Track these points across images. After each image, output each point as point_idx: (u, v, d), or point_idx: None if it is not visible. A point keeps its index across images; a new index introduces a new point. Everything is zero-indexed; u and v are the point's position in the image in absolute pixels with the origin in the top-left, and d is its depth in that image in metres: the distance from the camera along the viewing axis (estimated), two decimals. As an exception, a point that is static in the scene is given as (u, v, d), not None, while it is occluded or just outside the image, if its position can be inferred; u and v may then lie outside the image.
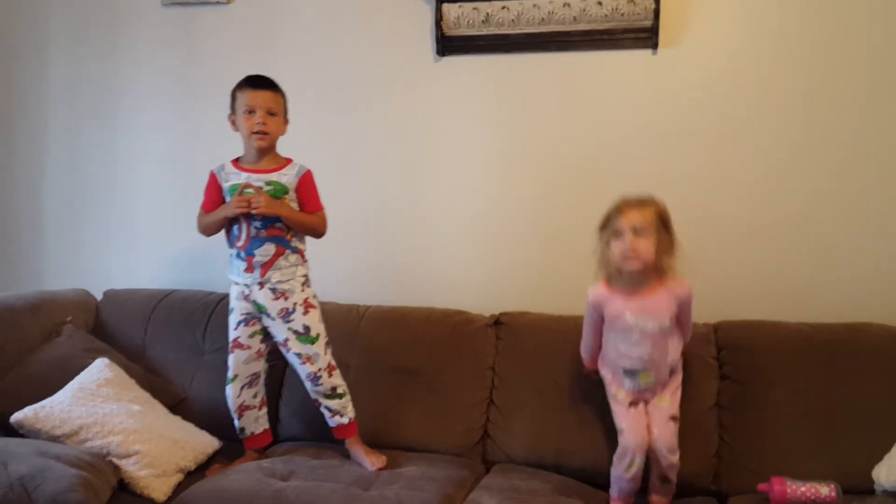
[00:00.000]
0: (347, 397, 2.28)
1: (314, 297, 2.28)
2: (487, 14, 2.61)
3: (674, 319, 2.08)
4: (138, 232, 3.08)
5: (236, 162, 2.29)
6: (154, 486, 2.05)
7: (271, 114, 2.22)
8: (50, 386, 2.24)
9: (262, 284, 2.21)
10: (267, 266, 2.20)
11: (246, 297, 2.25)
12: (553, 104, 2.65)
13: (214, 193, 2.29)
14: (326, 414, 2.28)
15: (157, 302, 2.73)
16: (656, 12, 2.49)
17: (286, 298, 2.21)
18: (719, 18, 2.52)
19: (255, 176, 2.22)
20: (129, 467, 2.05)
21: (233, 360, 2.29)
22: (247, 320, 2.27)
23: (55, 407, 2.13)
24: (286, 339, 2.23)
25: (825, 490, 1.95)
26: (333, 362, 2.27)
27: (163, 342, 2.65)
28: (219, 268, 2.93)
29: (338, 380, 2.27)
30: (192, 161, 2.99)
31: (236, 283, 2.27)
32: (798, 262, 2.48)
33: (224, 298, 2.68)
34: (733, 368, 2.28)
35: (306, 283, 2.26)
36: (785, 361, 2.24)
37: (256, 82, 2.24)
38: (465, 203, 2.74)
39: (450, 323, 2.51)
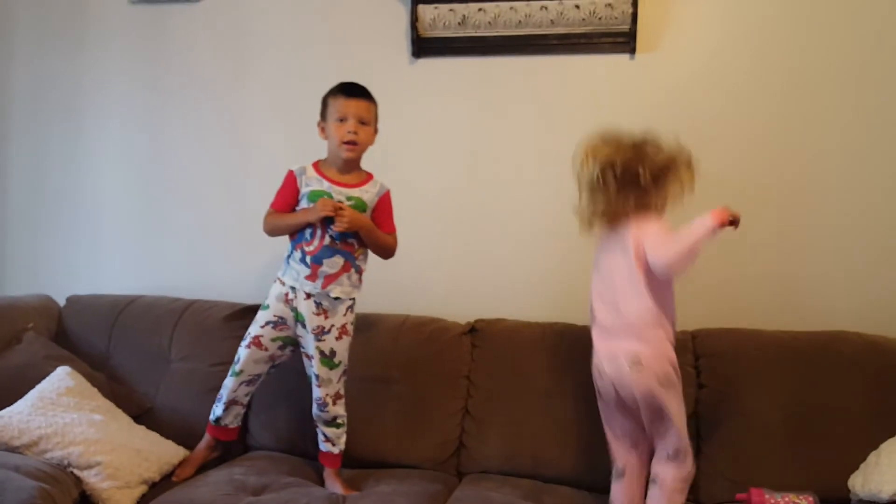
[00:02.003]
0: (344, 429, 2.24)
1: (352, 323, 2.23)
2: (464, 16, 2.58)
3: None
4: (104, 236, 3.01)
5: (318, 167, 2.22)
6: (116, 498, 2.00)
7: (363, 123, 2.17)
8: (9, 395, 2.18)
9: (309, 295, 2.15)
10: (331, 278, 2.15)
11: (288, 302, 2.19)
12: (530, 108, 2.63)
13: (289, 195, 2.21)
14: (320, 437, 2.24)
15: (121, 308, 2.66)
16: (634, 17, 2.49)
17: (326, 317, 2.16)
18: (697, 23, 2.53)
19: (336, 188, 2.17)
20: (91, 479, 2.00)
21: (246, 355, 2.24)
22: (276, 324, 2.21)
23: (14, 417, 2.06)
24: (312, 356, 2.19)
25: (803, 503, 1.93)
26: (342, 391, 2.23)
27: (128, 350, 2.58)
28: (185, 273, 2.91)
29: (340, 409, 2.23)
30: (161, 163, 2.95)
31: (283, 284, 2.20)
32: (776, 270, 2.48)
33: (192, 305, 2.64)
34: (711, 377, 2.27)
35: (352, 308, 2.22)
36: (762, 370, 2.24)
37: (350, 90, 2.18)
38: (440, 207, 2.71)
39: (425, 331, 2.48)
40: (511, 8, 2.54)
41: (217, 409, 2.30)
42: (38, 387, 2.22)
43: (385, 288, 2.71)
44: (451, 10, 2.59)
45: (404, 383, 2.41)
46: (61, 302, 2.76)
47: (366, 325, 2.51)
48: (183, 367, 2.52)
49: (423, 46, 2.67)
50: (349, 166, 2.21)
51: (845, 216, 2.45)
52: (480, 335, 2.46)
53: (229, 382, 2.27)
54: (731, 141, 2.51)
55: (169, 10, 2.90)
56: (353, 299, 2.22)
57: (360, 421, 2.34)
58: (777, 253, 2.48)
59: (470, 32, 2.61)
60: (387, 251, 2.25)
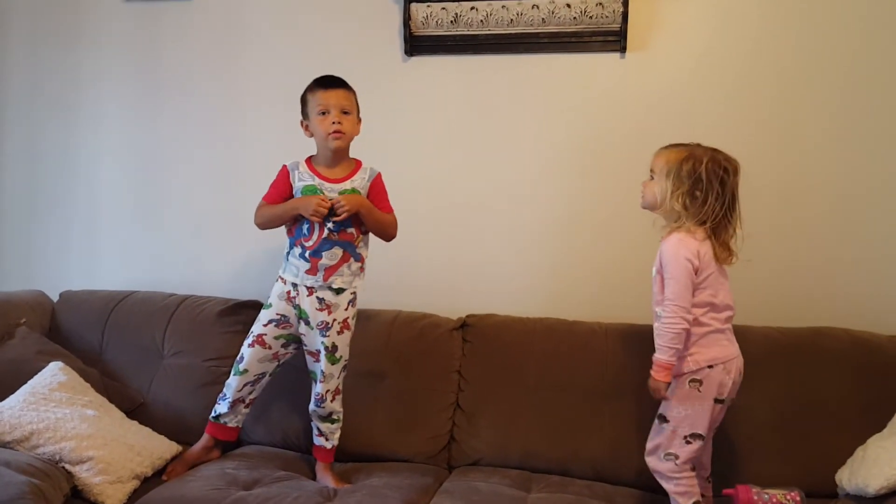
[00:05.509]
0: (339, 424, 2.25)
1: (354, 317, 2.24)
2: (456, 14, 2.59)
3: None
4: (98, 232, 3.01)
5: (309, 163, 2.23)
6: (108, 493, 2.00)
7: (345, 112, 2.17)
8: (1, 390, 2.18)
9: (311, 290, 2.17)
10: (331, 270, 2.16)
11: (290, 299, 2.20)
12: (521, 106, 2.65)
13: (283, 189, 2.21)
14: (315, 431, 2.25)
15: (115, 303, 2.66)
16: (624, 16, 2.50)
17: (329, 312, 2.17)
18: (687, 22, 2.54)
19: (327, 185, 2.18)
20: (83, 474, 2.00)
21: (250, 354, 2.24)
22: (279, 322, 2.22)
23: (5, 412, 2.06)
24: (318, 351, 2.20)
25: (789, 498, 1.95)
26: (341, 387, 2.24)
27: (121, 345, 2.58)
28: (179, 269, 2.92)
29: (338, 406, 2.24)
30: (155, 159, 2.95)
31: (284, 282, 2.22)
32: (762, 265, 2.48)
33: (185, 300, 2.65)
34: (699, 372, 2.28)
35: (353, 301, 2.23)
36: (749, 365, 2.22)
37: (327, 82, 2.19)
38: (431, 204, 2.72)
39: (416, 326, 2.49)
40: (503, 7, 2.56)
41: (220, 407, 2.29)
42: (31, 382, 2.22)
43: (377, 283, 2.72)
44: (443, 8, 2.60)
45: (396, 378, 2.42)
46: (54, 297, 2.76)
47: (358, 321, 2.51)
48: (176, 363, 2.52)
49: (416, 44, 2.68)
50: (338, 158, 2.21)
51: (833, 213, 2.47)
52: (471, 330, 2.48)
53: (234, 381, 2.27)
54: (721, 140, 2.49)
55: (162, 7, 2.91)
56: (355, 294, 2.23)
57: (353, 415, 2.34)
58: (764, 249, 2.48)
59: (462, 31, 2.63)
60: (388, 230, 2.25)
